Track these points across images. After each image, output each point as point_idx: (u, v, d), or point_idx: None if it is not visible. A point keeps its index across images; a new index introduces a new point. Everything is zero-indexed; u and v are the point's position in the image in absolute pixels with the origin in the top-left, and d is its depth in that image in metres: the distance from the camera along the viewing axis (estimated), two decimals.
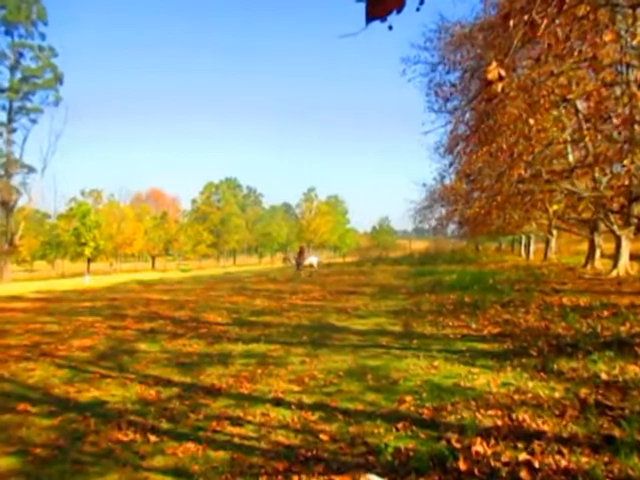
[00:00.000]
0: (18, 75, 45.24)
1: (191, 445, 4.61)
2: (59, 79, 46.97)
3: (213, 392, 6.30)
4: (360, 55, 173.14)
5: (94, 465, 4.36)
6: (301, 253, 29.50)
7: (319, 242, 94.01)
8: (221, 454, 4.40)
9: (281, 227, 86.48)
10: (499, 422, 4.74)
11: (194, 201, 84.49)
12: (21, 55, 45.32)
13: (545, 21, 3.16)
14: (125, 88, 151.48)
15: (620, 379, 5.88)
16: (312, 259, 30.77)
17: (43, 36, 45.92)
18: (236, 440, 4.70)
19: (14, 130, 45.86)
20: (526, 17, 4.61)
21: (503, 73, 2.60)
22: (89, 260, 59.53)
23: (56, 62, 46.69)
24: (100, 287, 26.36)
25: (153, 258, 74.41)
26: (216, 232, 77.84)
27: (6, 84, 44.86)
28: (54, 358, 8.62)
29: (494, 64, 2.63)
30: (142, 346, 9.37)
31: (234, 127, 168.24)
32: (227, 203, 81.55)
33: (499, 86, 2.70)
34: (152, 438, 4.82)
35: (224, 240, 78.27)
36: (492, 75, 2.61)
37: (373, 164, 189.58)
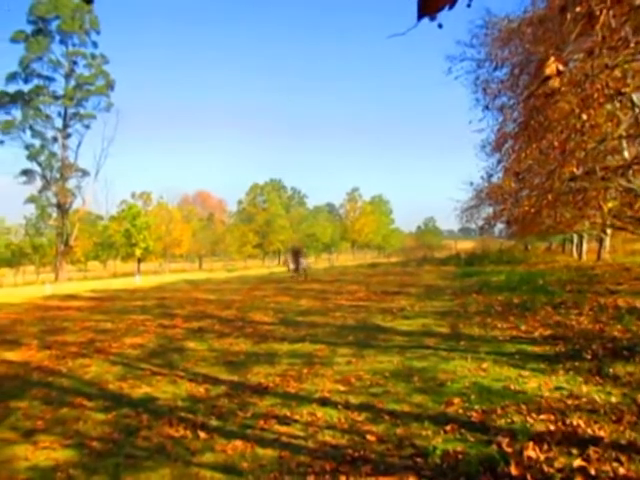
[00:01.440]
0: (72, 82, 47.14)
1: (239, 443, 4.68)
2: (110, 86, 48.70)
3: (260, 391, 6.38)
4: (404, 54, 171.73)
5: (147, 459, 4.49)
6: (297, 254, 27.83)
7: (363, 242, 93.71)
8: (269, 452, 4.45)
9: (325, 227, 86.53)
10: (552, 427, 4.60)
11: (240, 202, 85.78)
12: (75, 63, 47.30)
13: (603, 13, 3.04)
14: (172, 92, 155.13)
15: None
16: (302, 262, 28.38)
17: (95, 44, 47.76)
18: (283, 439, 4.74)
19: (69, 135, 47.88)
20: (578, 9, 4.46)
21: (562, 67, 2.50)
22: (139, 260, 61.35)
23: (107, 69, 48.47)
24: (150, 287, 27.12)
25: (200, 258, 75.97)
26: (261, 233, 78.69)
27: (61, 91, 46.84)
28: (108, 355, 8.94)
29: (552, 58, 2.54)
30: (191, 344, 9.58)
31: (278, 128, 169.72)
32: (272, 204, 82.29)
33: (557, 81, 2.62)
34: (202, 435, 4.93)
35: (269, 241, 79.01)
36: (550, 70, 2.51)
37: (418, 163, 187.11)
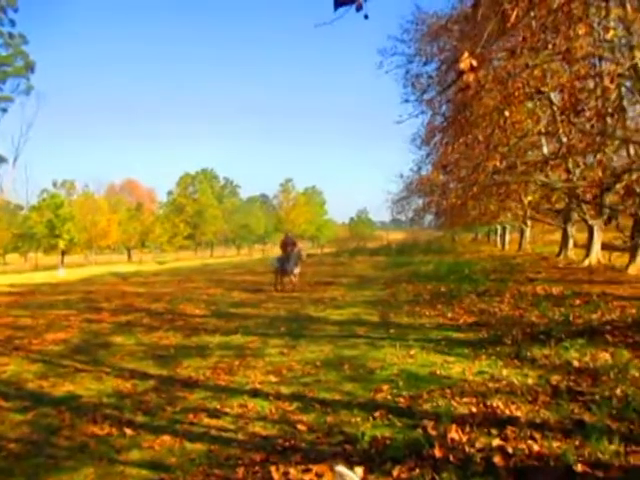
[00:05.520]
0: None
1: (168, 438, 4.58)
2: (30, 67, 45.71)
3: (190, 384, 6.28)
4: (339, 46, 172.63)
5: (69, 459, 4.30)
6: (288, 246, 16.78)
7: (297, 233, 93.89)
8: (198, 446, 4.39)
9: (259, 218, 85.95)
10: (474, 409, 4.82)
11: (170, 192, 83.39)
12: None
13: (518, 12, 3.19)
14: (99, 78, 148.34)
15: (591, 365, 6.03)
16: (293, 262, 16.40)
17: (13, 23, 44.60)
18: (213, 432, 4.68)
19: None
20: (488, 6, 4.64)
21: (475, 63, 2.62)
22: (63, 252, 58.56)
23: (27, 50, 45.53)
24: (74, 280, 25.97)
25: (129, 250, 73.42)
26: (193, 224, 76.99)
27: None
28: (28, 352, 8.48)
29: (466, 54, 2.65)
30: (118, 339, 9.28)
31: (210, 118, 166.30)
32: (203, 194, 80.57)
33: (471, 76, 2.72)
34: (128, 432, 4.78)
35: (201, 232, 77.50)
36: (464, 65, 2.63)
37: (351, 155, 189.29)
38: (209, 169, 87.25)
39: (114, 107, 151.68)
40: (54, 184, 64.73)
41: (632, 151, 13.35)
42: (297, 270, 16.50)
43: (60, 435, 4.83)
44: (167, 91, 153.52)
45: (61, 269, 38.19)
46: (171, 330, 9.90)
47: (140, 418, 5.16)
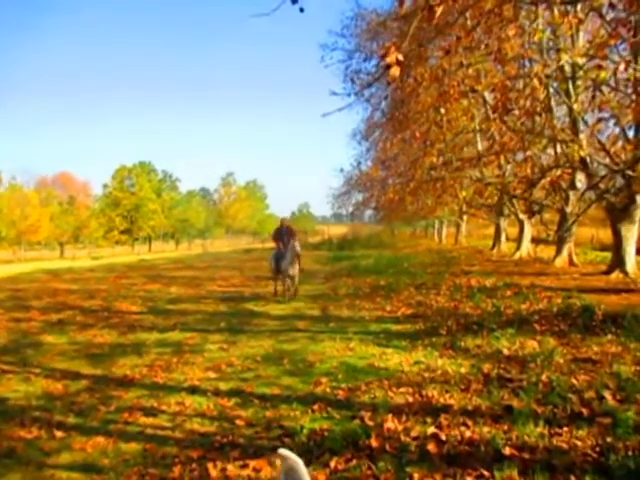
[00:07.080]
0: None
1: (101, 439, 4.43)
2: None
3: (125, 383, 6.10)
4: (285, 42, 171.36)
5: None
6: (284, 238, 13.07)
7: (238, 228, 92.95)
8: (133, 446, 4.27)
9: (199, 213, 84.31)
10: (410, 399, 4.95)
11: (105, 186, 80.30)
12: None
13: (442, 8, 3.28)
14: (29, 64, 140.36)
15: (520, 354, 6.33)
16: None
17: None
18: (149, 431, 4.58)
19: None
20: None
21: (401, 57, 2.68)
22: None
23: None
24: (1, 277, 24.61)
25: (62, 246, 70.29)
26: (130, 218, 74.55)
27: None
28: None
29: (392, 48, 2.72)
30: (48, 338, 8.87)
31: (150, 110, 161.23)
32: (141, 188, 77.98)
33: (397, 70, 2.78)
34: (58, 434, 4.59)
35: (138, 226, 75.14)
36: (390, 59, 2.70)
37: (294, 150, 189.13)
38: (147, 162, 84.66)
39: (48, 98, 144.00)
40: None
41: (558, 149, 14.05)
42: (294, 271, 12.56)
43: None
44: (103, 83, 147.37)
45: None
46: (106, 328, 9.57)
47: (72, 419, 4.97)
